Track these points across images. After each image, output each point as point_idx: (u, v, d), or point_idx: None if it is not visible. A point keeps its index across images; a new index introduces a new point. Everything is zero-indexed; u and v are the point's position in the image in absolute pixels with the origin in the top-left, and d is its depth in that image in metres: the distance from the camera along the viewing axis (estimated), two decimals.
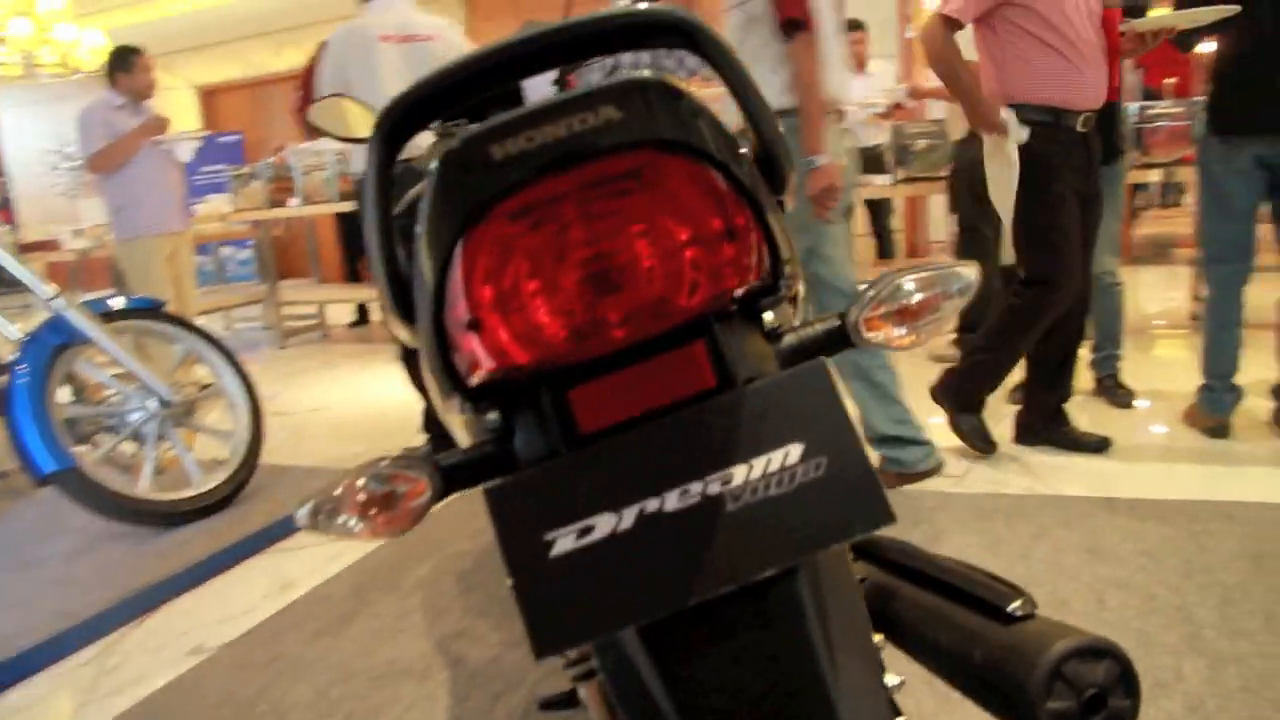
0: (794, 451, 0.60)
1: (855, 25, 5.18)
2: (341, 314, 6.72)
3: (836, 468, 0.60)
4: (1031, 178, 2.39)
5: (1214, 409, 2.74)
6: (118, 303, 2.92)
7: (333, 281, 6.78)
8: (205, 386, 3.10)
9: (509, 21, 7.57)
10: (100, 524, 2.66)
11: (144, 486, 2.72)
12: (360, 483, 0.65)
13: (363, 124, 1.69)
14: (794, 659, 0.59)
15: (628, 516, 0.59)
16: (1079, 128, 2.42)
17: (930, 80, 6.03)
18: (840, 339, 0.72)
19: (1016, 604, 0.75)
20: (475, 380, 0.65)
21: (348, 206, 5.83)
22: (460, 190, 0.60)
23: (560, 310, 0.61)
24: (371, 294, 6.34)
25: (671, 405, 0.63)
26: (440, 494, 0.67)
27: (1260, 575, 1.87)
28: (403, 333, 0.76)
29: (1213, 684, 1.53)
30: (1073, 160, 2.44)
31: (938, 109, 5.24)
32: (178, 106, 8.99)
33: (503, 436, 0.69)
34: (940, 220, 7.35)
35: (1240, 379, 2.72)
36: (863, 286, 0.73)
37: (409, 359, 3.25)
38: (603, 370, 0.63)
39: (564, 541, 0.58)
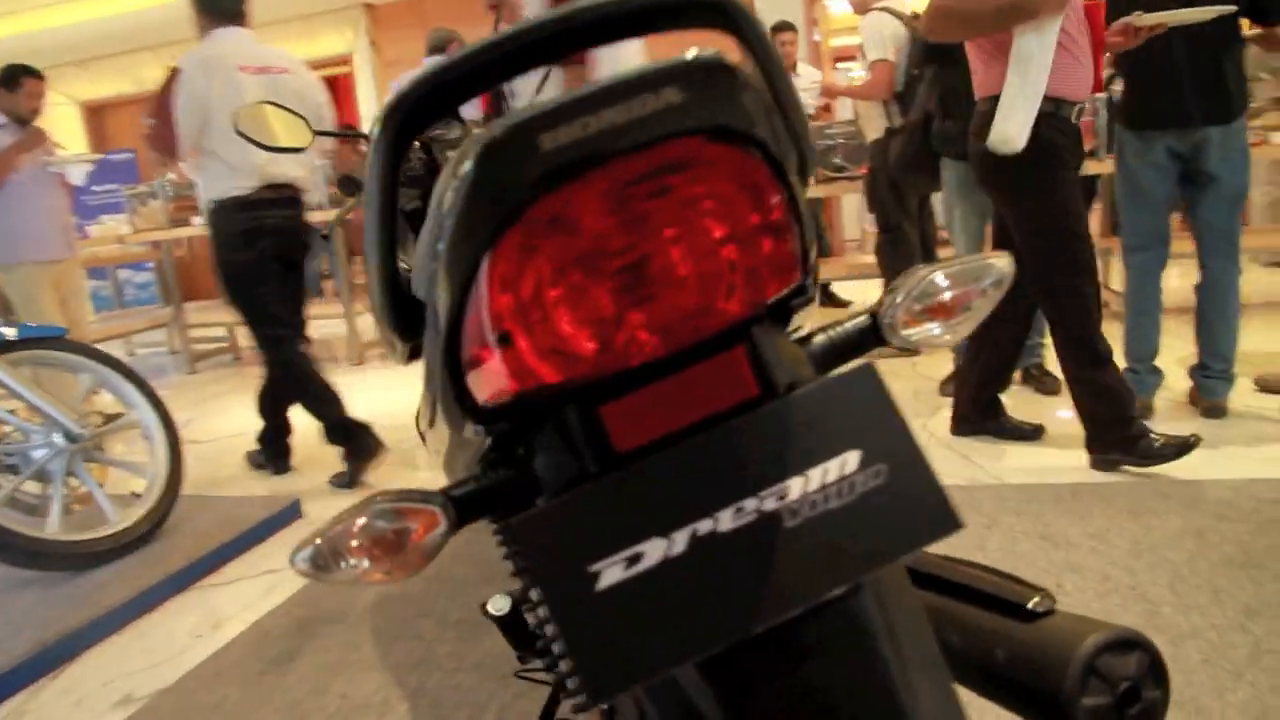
0: (851, 460, 0.56)
1: (786, 26, 5.24)
2: None
3: (898, 474, 0.57)
4: (1043, 168, 2.35)
5: (1137, 391, 2.84)
6: (11, 332, 2.71)
7: None
8: (111, 417, 2.90)
9: (414, 33, 7.40)
10: (5, 571, 2.45)
11: (53, 528, 2.51)
12: (365, 522, 0.58)
13: (291, 133, 1.59)
14: (868, 683, 0.55)
15: (679, 540, 0.53)
16: (1074, 119, 2.40)
17: (838, 81, 6.16)
18: (872, 338, 0.68)
19: (1036, 600, 0.73)
20: (496, 401, 0.58)
21: None
22: (502, 185, 0.53)
23: (594, 321, 0.55)
24: None
25: (711, 418, 0.58)
26: (454, 527, 0.61)
27: (1204, 551, 1.94)
28: (399, 349, 0.69)
29: (1176, 660, 1.56)
30: (1073, 150, 2.42)
31: (847, 108, 5.35)
32: (62, 123, 8.50)
33: (519, 460, 0.63)
34: (853, 220, 7.53)
35: (1159, 361, 2.83)
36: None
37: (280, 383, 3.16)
38: (634, 383, 0.57)
39: (611, 572, 0.53)
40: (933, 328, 0.68)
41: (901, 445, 0.58)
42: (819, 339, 0.68)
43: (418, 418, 1.35)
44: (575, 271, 0.54)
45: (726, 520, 0.54)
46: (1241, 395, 2.85)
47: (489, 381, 0.57)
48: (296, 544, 0.59)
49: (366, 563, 0.57)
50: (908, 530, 0.56)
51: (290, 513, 2.89)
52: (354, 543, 0.57)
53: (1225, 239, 2.60)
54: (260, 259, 3.01)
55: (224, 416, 4.40)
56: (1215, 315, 2.69)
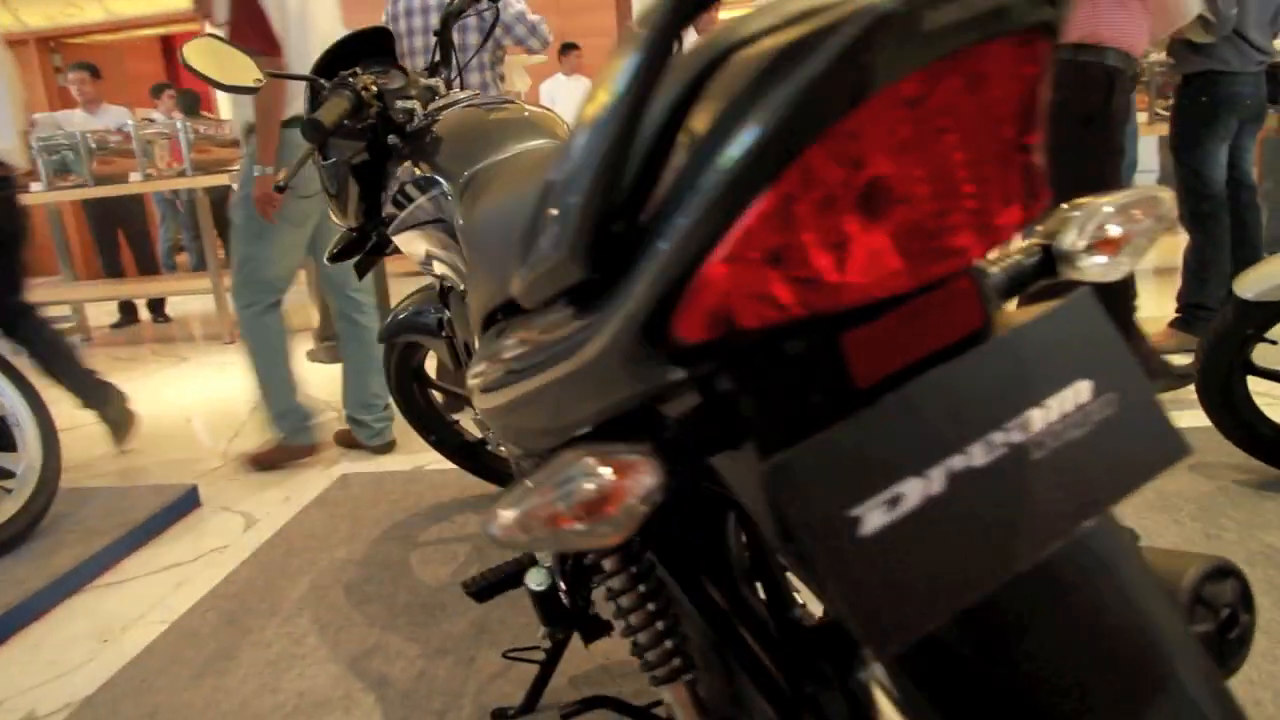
0: (1084, 389, 0.54)
1: None
2: (103, 314, 5.90)
3: (1127, 402, 0.55)
4: (1106, 127, 2.24)
5: None
6: None
7: (90, 278, 5.92)
8: None
9: None
10: None
11: None
12: (572, 482, 0.51)
13: (238, 71, 1.44)
14: (1119, 615, 0.54)
15: (936, 478, 0.50)
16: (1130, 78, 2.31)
17: None
18: (1045, 271, 0.67)
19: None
20: (703, 338, 0.51)
21: (102, 191, 5.13)
22: (867, 67, 0.43)
23: (841, 246, 0.48)
24: (138, 289, 5.61)
25: (942, 349, 0.55)
26: (668, 478, 0.54)
27: None
28: (572, 275, 0.58)
29: None
30: (1126, 116, 2.34)
31: None
32: None
33: (717, 402, 0.57)
34: None
35: None
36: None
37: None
38: (867, 315, 0.53)
39: (873, 516, 0.48)
40: (1100, 260, 0.66)
41: (1128, 373, 0.56)
42: (994, 271, 0.67)
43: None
44: (828, 189, 0.47)
45: (978, 455, 0.51)
46: None
47: (707, 315, 0.50)
48: (488, 514, 0.51)
49: (578, 526, 0.50)
50: (1144, 458, 0.55)
51: (188, 501, 2.66)
52: (556, 507, 0.51)
53: None
54: None
55: None
56: None
